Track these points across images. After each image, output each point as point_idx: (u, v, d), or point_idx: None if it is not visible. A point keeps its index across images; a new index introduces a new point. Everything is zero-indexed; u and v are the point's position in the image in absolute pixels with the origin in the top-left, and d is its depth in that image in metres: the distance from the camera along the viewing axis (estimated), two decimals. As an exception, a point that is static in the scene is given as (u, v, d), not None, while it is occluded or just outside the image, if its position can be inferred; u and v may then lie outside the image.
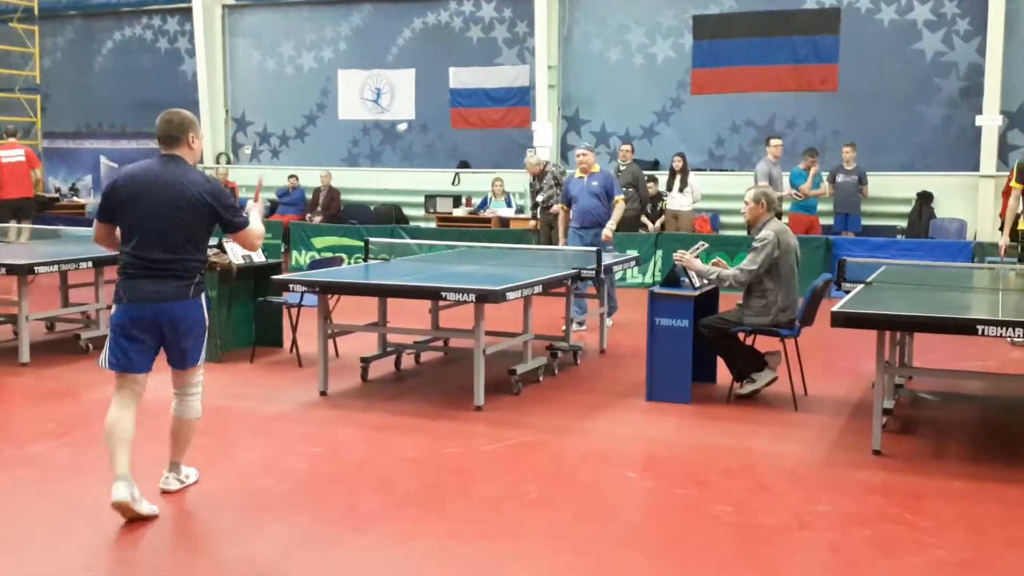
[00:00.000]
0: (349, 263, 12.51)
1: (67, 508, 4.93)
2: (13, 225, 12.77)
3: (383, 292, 7.49)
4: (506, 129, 16.47)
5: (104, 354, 4.83)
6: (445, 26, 17.09)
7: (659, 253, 13.02)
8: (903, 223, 14.03)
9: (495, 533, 4.64)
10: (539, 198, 12.30)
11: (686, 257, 7.04)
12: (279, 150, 18.53)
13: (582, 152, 9.77)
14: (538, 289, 7.20)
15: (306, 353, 8.09)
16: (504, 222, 15.09)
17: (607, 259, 8.30)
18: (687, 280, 7.08)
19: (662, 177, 14.45)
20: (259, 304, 8.47)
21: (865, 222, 13.77)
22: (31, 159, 14.27)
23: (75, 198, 18.61)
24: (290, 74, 18.23)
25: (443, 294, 6.70)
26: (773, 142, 12.99)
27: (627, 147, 13.31)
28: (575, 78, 16.33)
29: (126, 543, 4.50)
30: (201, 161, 18.45)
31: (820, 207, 14.10)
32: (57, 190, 18.96)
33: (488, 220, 15.36)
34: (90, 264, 8.59)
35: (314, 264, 8.58)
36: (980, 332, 5.40)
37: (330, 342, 7.51)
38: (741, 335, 7.02)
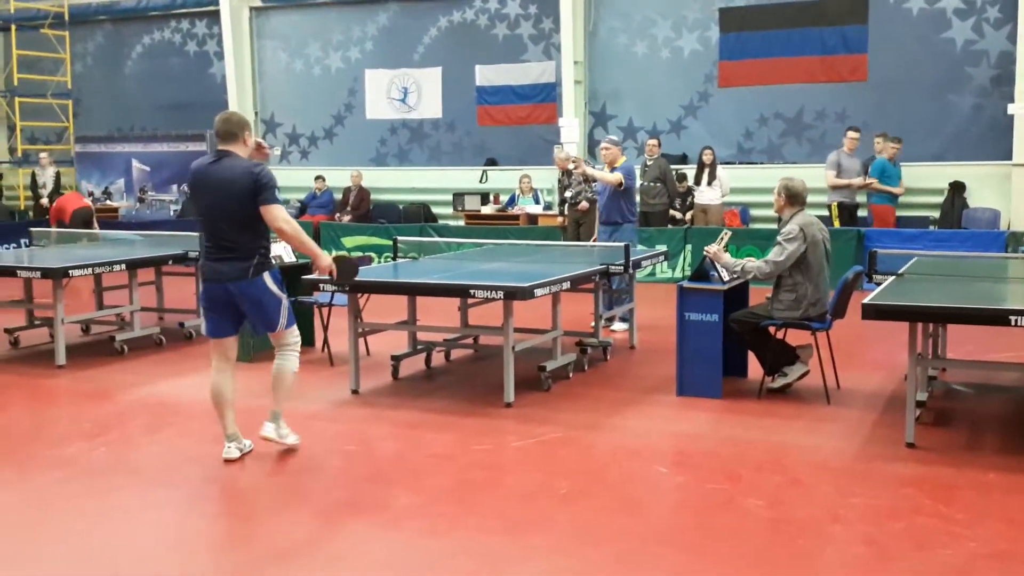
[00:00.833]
0: (379, 262, 12.58)
1: (102, 508, 5.00)
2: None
3: (412, 290, 7.53)
4: (533, 126, 16.45)
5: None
6: (471, 24, 17.11)
7: (688, 247, 12.97)
8: (935, 213, 13.88)
9: (525, 528, 4.65)
10: (567, 194, 12.18)
11: (713, 250, 7.01)
12: (308, 151, 18.63)
13: (605, 146, 9.76)
14: (566, 285, 7.20)
15: (337, 352, 8.14)
16: (532, 219, 15.09)
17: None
18: (716, 274, 7.05)
19: (690, 171, 14.39)
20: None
21: (897, 213, 13.63)
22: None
23: (108, 201, 18.80)
24: (317, 75, 18.33)
25: (472, 292, 6.73)
26: (851, 134, 12.88)
27: (654, 141, 13.28)
28: (601, 73, 16.29)
29: (158, 542, 4.56)
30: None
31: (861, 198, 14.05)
32: (90, 194, 19.15)
33: (516, 217, 15.37)
34: (124, 267, 8.70)
35: (348, 259, 8.63)
36: (1014, 323, 5.36)
37: (361, 341, 7.56)
38: (772, 329, 6.98)
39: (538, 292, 6.66)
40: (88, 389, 7.53)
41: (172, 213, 18.22)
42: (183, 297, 9.95)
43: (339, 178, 16.92)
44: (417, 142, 17.82)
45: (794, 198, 6.94)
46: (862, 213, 13.58)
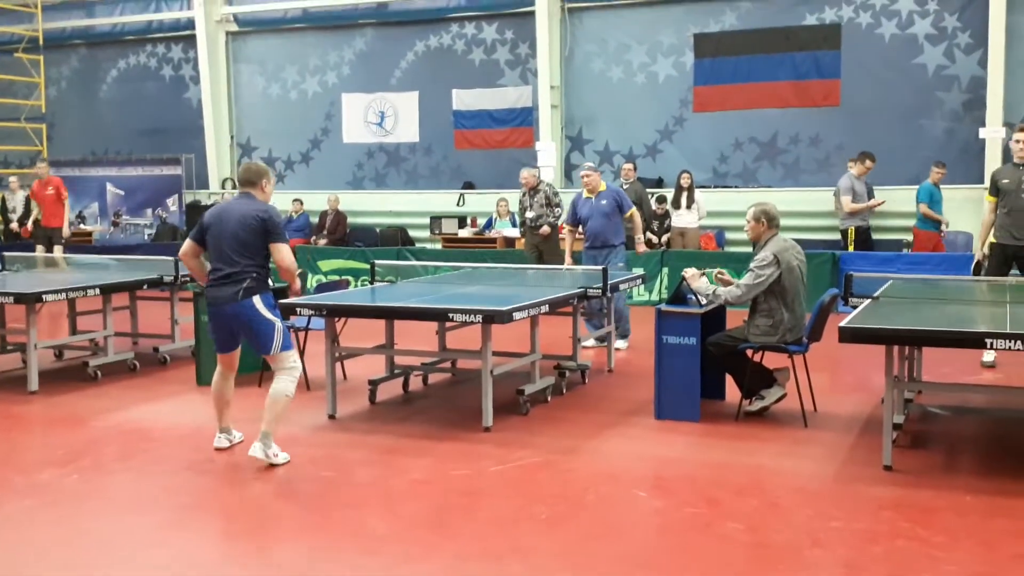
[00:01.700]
0: (355, 286, 12.53)
1: (75, 535, 4.93)
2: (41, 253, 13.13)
3: (390, 314, 7.49)
4: (510, 149, 16.54)
5: None
6: (447, 49, 17.18)
7: (665, 271, 13.01)
8: (909, 236, 14.01)
9: (504, 554, 4.62)
10: (528, 215, 11.71)
11: (690, 273, 7.03)
12: (284, 175, 18.60)
13: (586, 173, 9.74)
14: (545, 309, 7.20)
15: (314, 376, 8.09)
16: (509, 242, 15.11)
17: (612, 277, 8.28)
18: (693, 297, 7.07)
19: (668, 195, 14.45)
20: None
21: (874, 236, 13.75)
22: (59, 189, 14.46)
23: (82, 226, 18.67)
24: (294, 99, 18.33)
25: (450, 315, 6.70)
26: (867, 162, 12.86)
27: (629, 166, 13.35)
28: (577, 98, 16.39)
29: (130, 570, 4.49)
30: (207, 187, 18.60)
31: (828, 222, 14.12)
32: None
33: (493, 240, 15.38)
34: (98, 291, 8.62)
35: (321, 287, 8.59)
36: (989, 345, 5.39)
37: (338, 365, 7.51)
38: (749, 352, 7.00)
39: (516, 315, 6.65)
40: (61, 415, 7.44)
41: (146, 237, 18.11)
42: (157, 322, 9.87)
43: (316, 201, 16.90)
44: (394, 166, 17.84)
45: (772, 220, 6.97)
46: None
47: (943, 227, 13.11)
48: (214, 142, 18.50)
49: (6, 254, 12.35)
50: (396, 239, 16.44)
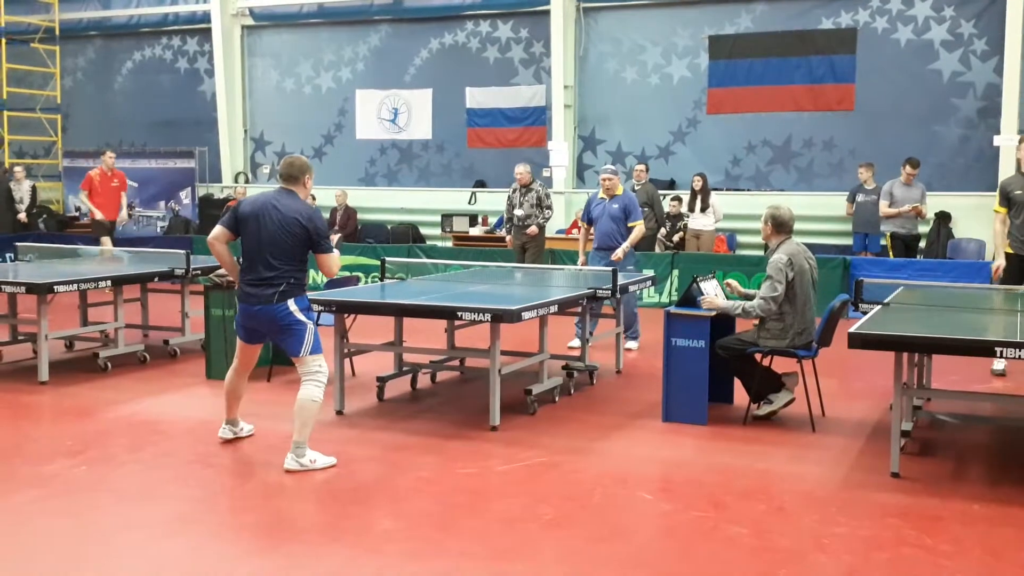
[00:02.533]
0: (365, 282, 12.55)
1: (83, 526, 4.95)
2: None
3: (399, 311, 7.51)
4: (522, 148, 16.51)
5: None
6: (462, 47, 17.18)
7: (675, 273, 13.00)
8: (921, 243, 13.97)
9: (509, 554, 4.62)
10: (518, 212, 11.61)
11: (708, 300, 6.99)
12: (297, 169, 18.59)
13: (607, 176, 9.62)
14: (554, 309, 7.20)
15: (322, 372, 8.09)
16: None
17: (621, 279, 8.28)
18: (703, 300, 7.06)
19: (683, 195, 14.40)
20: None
21: (883, 242, 13.69)
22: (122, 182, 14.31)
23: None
24: (308, 94, 18.36)
25: (459, 314, 6.71)
26: (908, 169, 12.62)
27: (641, 167, 13.32)
28: (591, 98, 16.38)
29: (138, 562, 4.51)
30: (220, 180, 18.64)
31: (841, 227, 14.06)
32: (77, 209, 19.09)
33: (504, 239, 15.35)
34: (109, 283, 8.65)
35: (330, 284, 8.62)
36: (999, 354, 5.38)
37: (346, 361, 7.53)
38: (758, 356, 6.99)
39: (525, 315, 6.65)
40: (70, 406, 7.47)
41: (159, 230, 18.16)
42: (168, 314, 9.91)
43: (328, 197, 16.91)
44: (406, 163, 17.85)
45: (781, 226, 6.95)
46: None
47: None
48: (227, 136, 18.55)
49: (18, 244, 12.41)
50: (407, 236, 16.45)
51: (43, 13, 19.64)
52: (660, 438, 6.69)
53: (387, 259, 9.23)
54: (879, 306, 6.88)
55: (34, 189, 17.57)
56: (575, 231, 15.02)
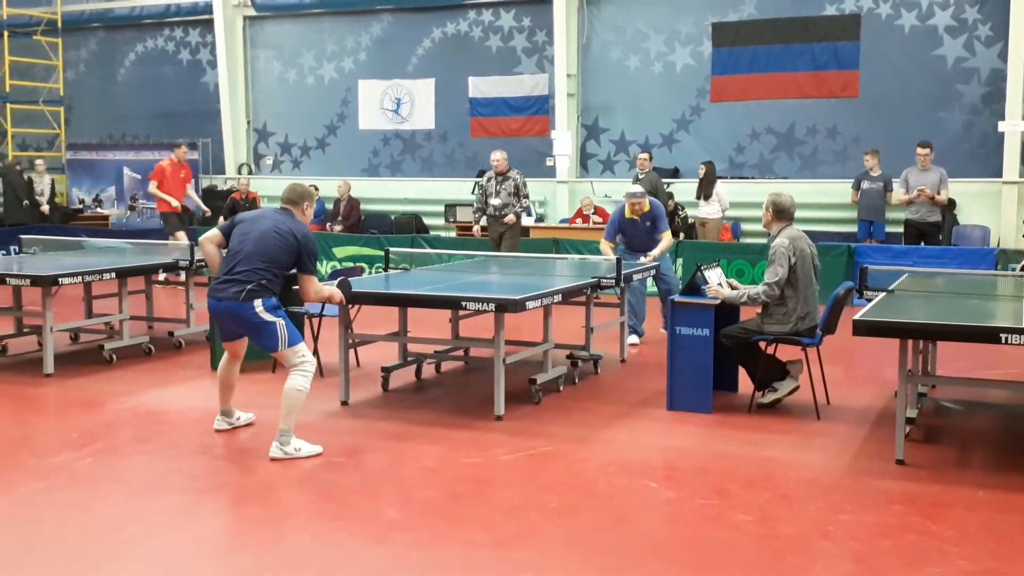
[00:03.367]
0: (369, 273, 12.56)
1: (89, 518, 4.97)
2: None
3: (403, 302, 7.50)
4: (525, 138, 16.50)
5: None
6: (464, 36, 17.15)
7: (680, 262, 12.98)
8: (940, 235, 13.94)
9: (514, 542, 4.63)
10: (494, 202, 11.41)
11: (712, 289, 6.98)
12: (300, 160, 18.64)
13: (638, 201, 9.32)
14: (558, 298, 7.20)
15: (327, 363, 8.12)
16: (524, 231, 15.06)
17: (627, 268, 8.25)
18: (707, 288, 7.05)
19: (688, 186, 14.36)
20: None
21: (888, 229, 13.68)
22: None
23: (99, 209, 18.76)
24: (311, 84, 18.34)
25: (463, 303, 6.71)
26: (920, 151, 12.60)
27: (645, 155, 13.30)
28: (594, 86, 16.35)
29: (144, 553, 4.53)
30: (223, 172, 18.62)
31: (845, 214, 14.03)
32: (81, 201, 19.14)
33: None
34: (114, 275, 8.66)
35: (335, 274, 8.62)
36: (1004, 340, 5.37)
37: (351, 352, 7.54)
38: (762, 344, 6.98)
39: (530, 305, 6.65)
40: (76, 398, 7.49)
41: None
42: (173, 306, 9.92)
43: (331, 188, 16.93)
44: (409, 153, 17.84)
45: (781, 213, 6.95)
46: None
47: None
48: (231, 127, 18.54)
49: (23, 236, 12.42)
50: (411, 226, 16.44)
51: (45, 5, 19.62)
52: (665, 426, 6.69)
53: (391, 249, 9.25)
54: (884, 293, 6.87)
55: (52, 182, 17.71)
56: (578, 221, 15.05)
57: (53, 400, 7.55)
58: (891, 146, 13.85)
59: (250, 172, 18.60)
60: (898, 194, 12.63)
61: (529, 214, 13.90)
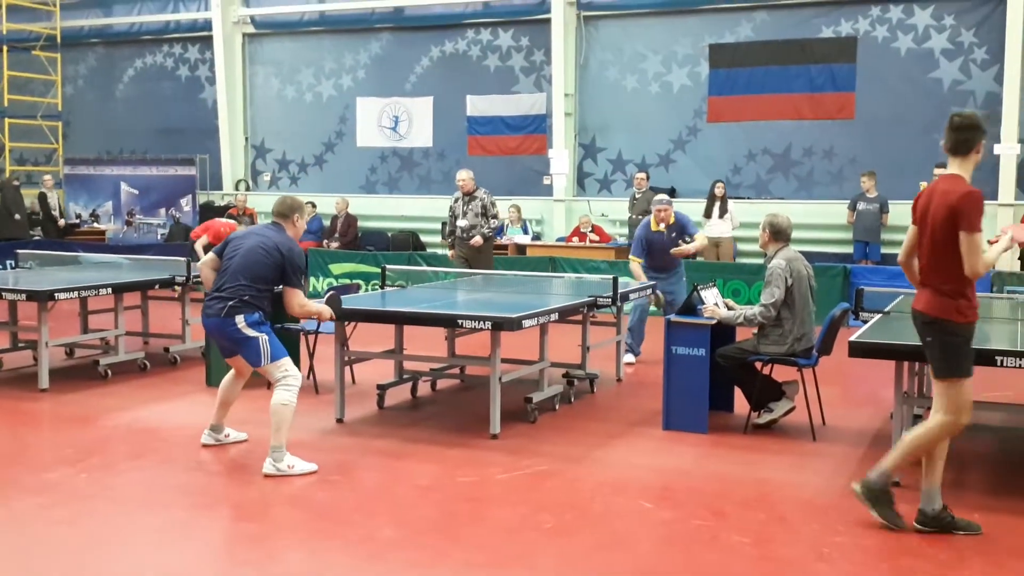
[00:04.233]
0: (366, 290, 12.56)
1: (83, 534, 4.95)
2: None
3: (400, 319, 7.50)
4: (523, 157, 16.56)
5: None
6: (463, 55, 17.21)
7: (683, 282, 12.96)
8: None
9: (510, 562, 4.62)
10: (461, 223, 10.96)
11: (709, 309, 7.00)
12: (298, 177, 18.65)
13: (664, 208, 9.21)
14: (554, 317, 7.20)
15: (323, 380, 8.11)
16: (521, 249, 15.11)
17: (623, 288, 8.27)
18: (703, 308, 7.06)
19: (695, 205, 14.30)
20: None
21: (883, 251, 13.71)
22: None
23: (96, 224, 18.76)
24: (309, 101, 18.38)
25: (459, 321, 6.72)
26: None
27: (642, 175, 13.36)
28: (592, 106, 16.40)
29: (138, 570, 4.50)
30: (221, 188, 18.64)
31: (841, 235, 14.06)
32: (78, 216, 19.13)
33: (505, 247, 15.37)
34: (110, 290, 8.65)
35: (331, 291, 8.60)
36: (999, 363, 5.38)
37: (347, 369, 7.53)
38: (758, 364, 6.99)
39: (526, 323, 6.66)
40: (71, 413, 7.47)
41: (159, 237, 18.17)
42: (169, 322, 9.90)
43: (329, 205, 16.95)
44: (407, 170, 17.86)
45: (778, 234, 6.97)
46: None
47: None
48: (228, 143, 18.57)
49: (19, 251, 12.40)
50: (408, 244, 16.44)
51: (44, 20, 19.67)
52: (660, 446, 6.69)
53: (388, 267, 9.24)
54: (880, 315, 6.88)
55: (58, 197, 17.83)
56: (575, 239, 15.07)
57: (48, 415, 7.53)
58: (887, 168, 13.90)
59: (248, 188, 18.62)
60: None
61: (499, 234, 13.52)
